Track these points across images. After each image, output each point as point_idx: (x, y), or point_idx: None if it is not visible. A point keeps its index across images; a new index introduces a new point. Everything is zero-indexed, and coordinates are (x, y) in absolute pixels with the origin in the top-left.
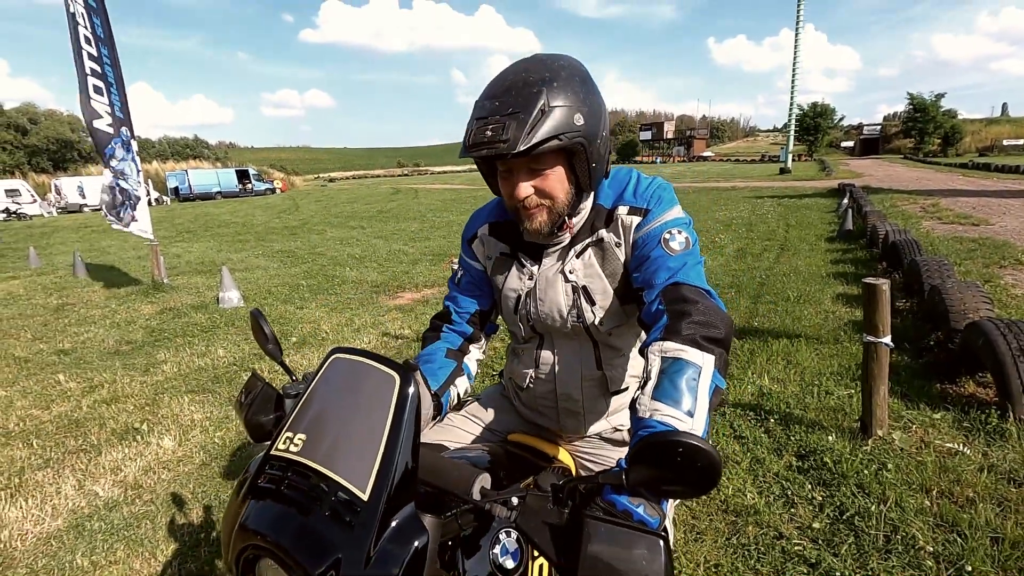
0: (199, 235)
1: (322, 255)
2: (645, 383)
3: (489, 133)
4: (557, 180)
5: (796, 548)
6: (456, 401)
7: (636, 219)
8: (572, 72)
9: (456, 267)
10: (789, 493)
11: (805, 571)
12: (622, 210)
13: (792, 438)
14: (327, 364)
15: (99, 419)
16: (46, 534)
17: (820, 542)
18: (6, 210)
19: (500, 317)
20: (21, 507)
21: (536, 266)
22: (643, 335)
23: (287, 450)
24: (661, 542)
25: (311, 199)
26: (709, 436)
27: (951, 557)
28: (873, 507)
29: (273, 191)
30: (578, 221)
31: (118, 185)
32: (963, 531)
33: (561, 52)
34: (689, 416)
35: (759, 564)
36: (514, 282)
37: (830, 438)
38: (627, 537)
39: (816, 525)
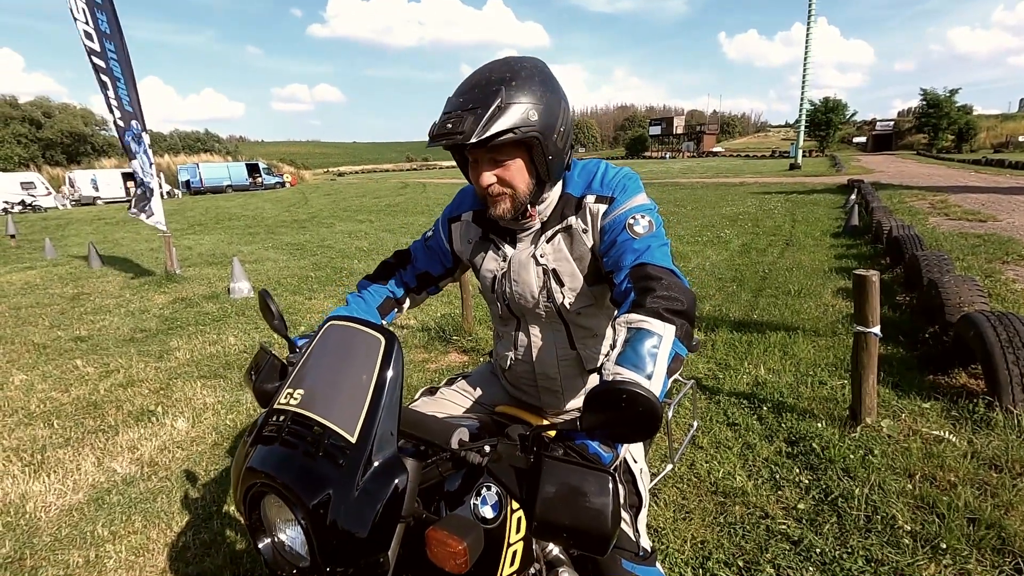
0: (210, 228)
1: (331, 248)
2: (611, 351)
3: (449, 126)
4: (517, 171)
5: (781, 527)
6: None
7: (603, 207)
8: (532, 72)
9: (430, 231)
10: (777, 476)
11: (788, 548)
12: (590, 199)
13: (783, 425)
14: (323, 329)
15: (116, 402)
16: (68, 506)
17: (804, 521)
18: (21, 202)
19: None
20: (44, 482)
21: (511, 249)
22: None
23: (287, 403)
24: (610, 479)
25: (320, 193)
26: (665, 395)
27: (928, 536)
28: (857, 490)
29: (283, 185)
30: (544, 209)
31: (138, 177)
32: (941, 512)
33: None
34: (648, 380)
35: (744, 541)
36: (491, 264)
37: (820, 425)
38: (579, 475)
39: (801, 506)
